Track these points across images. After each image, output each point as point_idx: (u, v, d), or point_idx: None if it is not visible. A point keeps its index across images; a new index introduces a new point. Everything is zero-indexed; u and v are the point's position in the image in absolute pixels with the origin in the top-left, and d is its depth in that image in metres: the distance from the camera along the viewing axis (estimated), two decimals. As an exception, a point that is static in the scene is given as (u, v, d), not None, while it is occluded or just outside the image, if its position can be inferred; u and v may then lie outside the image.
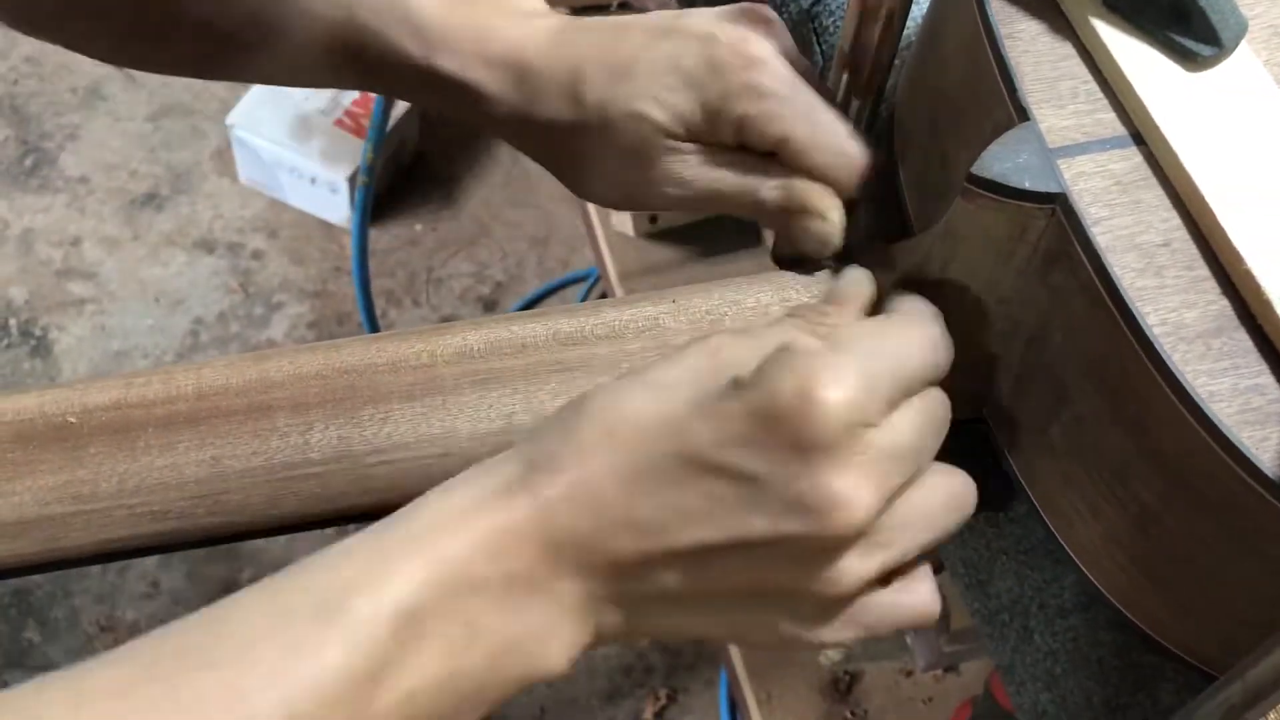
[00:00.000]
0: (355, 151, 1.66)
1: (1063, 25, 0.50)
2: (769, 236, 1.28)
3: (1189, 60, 0.48)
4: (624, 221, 1.42)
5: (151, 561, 1.49)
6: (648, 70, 0.47)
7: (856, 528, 0.36)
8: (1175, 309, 0.43)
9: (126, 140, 1.86)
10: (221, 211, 1.80)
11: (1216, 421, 0.40)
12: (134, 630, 1.45)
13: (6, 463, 0.47)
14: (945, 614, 0.93)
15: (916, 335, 0.40)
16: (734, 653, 1.15)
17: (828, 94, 0.49)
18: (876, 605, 0.38)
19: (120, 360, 1.66)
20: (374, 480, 0.48)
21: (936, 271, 0.48)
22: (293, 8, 0.48)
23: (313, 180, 1.73)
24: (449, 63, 0.48)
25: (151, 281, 1.73)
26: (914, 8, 0.55)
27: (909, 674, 1.13)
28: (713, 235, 1.40)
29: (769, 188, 0.49)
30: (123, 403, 0.48)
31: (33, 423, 0.48)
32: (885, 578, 0.38)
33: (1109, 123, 0.48)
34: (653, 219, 1.40)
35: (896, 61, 0.57)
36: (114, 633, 1.46)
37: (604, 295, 1.51)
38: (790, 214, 0.49)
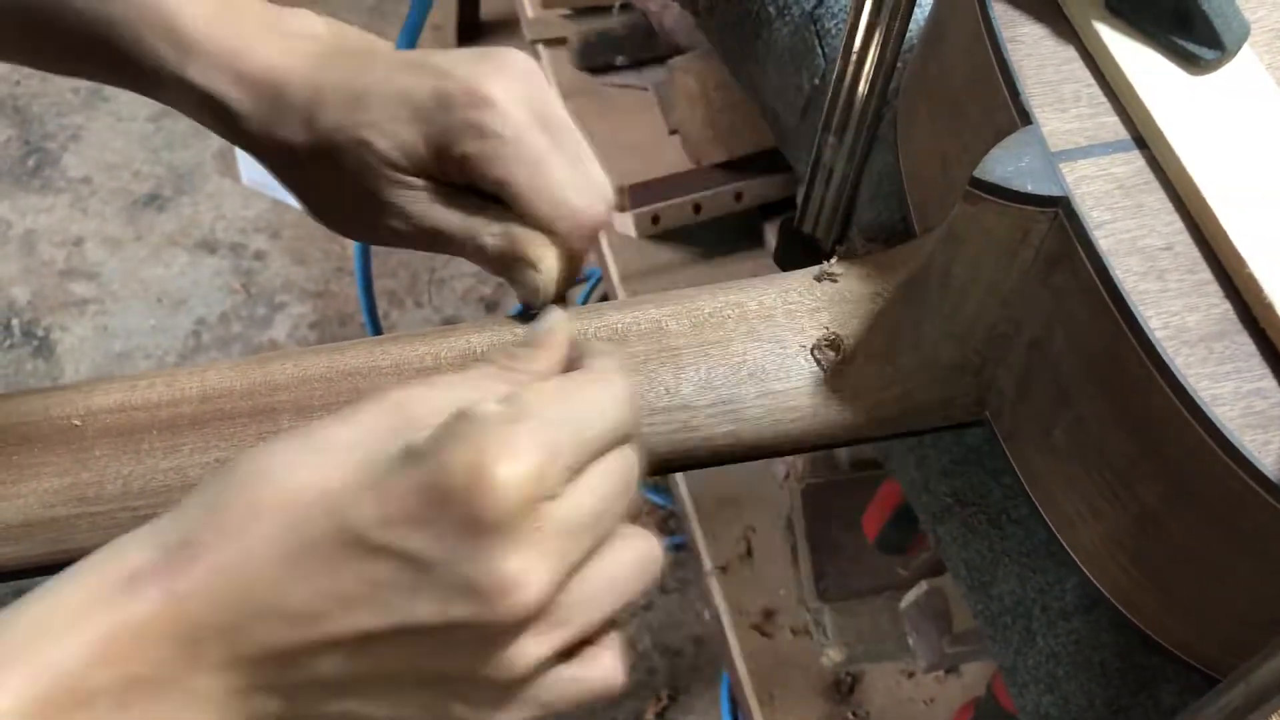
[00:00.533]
0: (357, 152, 1.66)
1: (1065, 29, 0.50)
2: (771, 238, 1.28)
3: (1191, 64, 0.48)
4: (626, 222, 1.41)
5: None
6: (380, 100, 0.47)
7: (530, 610, 0.34)
8: (1178, 312, 0.43)
9: (129, 140, 1.87)
10: (224, 212, 1.80)
11: (1219, 425, 0.40)
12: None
13: (11, 465, 0.47)
14: (947, 615, 0.93)
15: (605, 394, 0.38)
16: (735, 653, 1.15)
17: (575, 145, 0.48)
18: (556, 683, 0.37)
19: (122, 361, 1.66)
20: (378, 482, 0.48)
21: (938, 274, 0.49)
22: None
23: (315, 181, 1.73)
24: (199, 74, 0.47)
25: (154, 282, 1.73)
26: (916, 10, 0.55)
27: (911, 675, 1.13)
28: (715, 236, 1.40)
29: (490, 232, 0.48)
30: (127, 405, 0.48)
31: (37, 425, 0.48)
32: (567, 652, 0.36)
33: (1111, 126, 0.48)
34: (655, 219, 1.39)
35: (899, 64, 0.58)
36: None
37: (605, 296, 1.51)
38: (505, 261, 0.49)
